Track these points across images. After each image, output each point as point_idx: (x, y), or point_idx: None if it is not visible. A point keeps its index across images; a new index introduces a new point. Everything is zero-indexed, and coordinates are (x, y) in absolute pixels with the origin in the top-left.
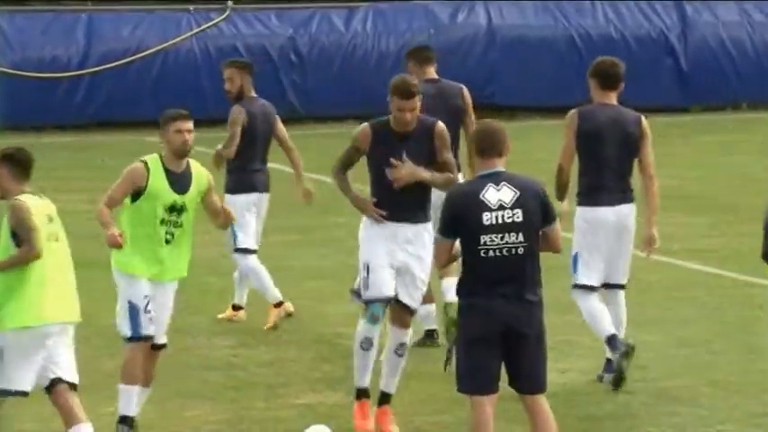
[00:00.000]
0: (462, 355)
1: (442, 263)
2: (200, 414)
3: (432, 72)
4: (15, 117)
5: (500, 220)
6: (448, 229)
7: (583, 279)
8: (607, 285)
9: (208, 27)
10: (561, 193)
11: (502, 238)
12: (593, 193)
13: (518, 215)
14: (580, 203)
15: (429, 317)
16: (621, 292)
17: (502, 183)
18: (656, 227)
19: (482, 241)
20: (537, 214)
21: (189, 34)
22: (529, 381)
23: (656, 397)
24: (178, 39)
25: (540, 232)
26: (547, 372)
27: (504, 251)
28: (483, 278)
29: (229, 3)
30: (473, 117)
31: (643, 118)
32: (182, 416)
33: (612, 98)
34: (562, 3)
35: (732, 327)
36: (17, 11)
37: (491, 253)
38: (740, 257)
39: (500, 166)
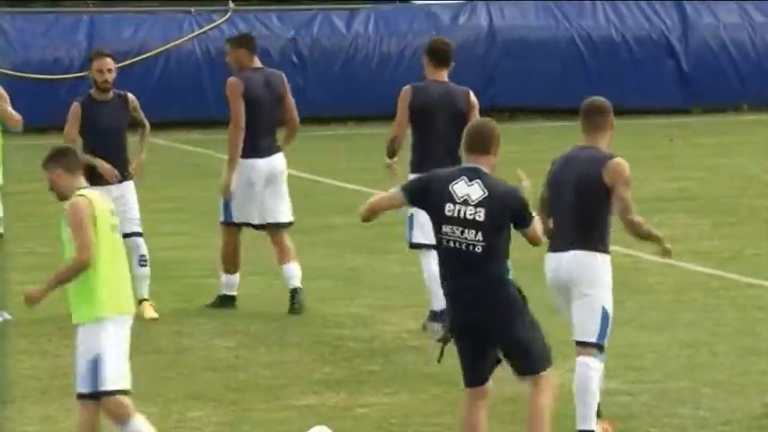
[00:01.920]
0: (457, 349)
1: (373, 204)
2: (201, 415)
3: (443, 75)
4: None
5: (461, 215)
6: (413, 188)
7: (418, 239)
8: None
9: (209, 29)
10: (390, 155)
11: (462, 233)
12: (423, 163)
13: (480, 214)
14: (412, 171)
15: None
16: None
17: (476, 180)
18: None
19: (443, 230)
20: (503, 219)
21: (190, 36)
22: (513, 367)
23: (657, 398)
24: (180, 40)
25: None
26: (533, 356)
27: (463, 246)
28: (446, 268)
29: (231, 4)
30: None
31: (471, 93)
32: (183, 417)
33: (444, 75)
34: (563, 4)
35: (733, 328)
36: (19, 12)
37: (451, 244)
38: (741, 259)
39: (483, 164)
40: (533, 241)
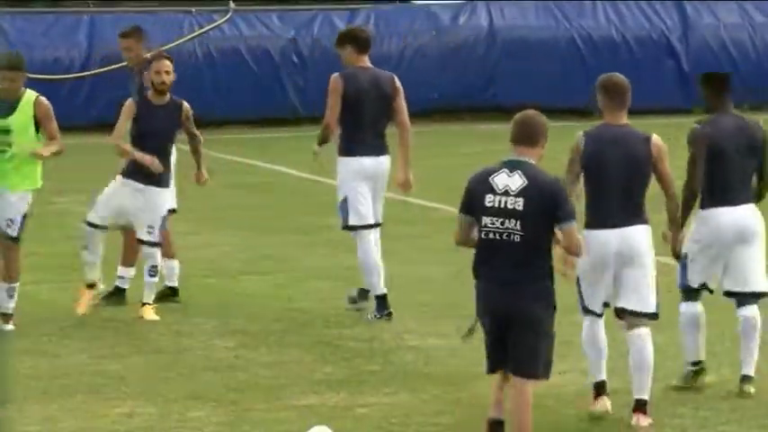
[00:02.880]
0: (484, 334)
1: (456, 239)
2: (201, 415)
3: (366, 61)
4: None
5: (501, 205)
6: (463, 205)
7: (353, 221)
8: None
9: (210, 29)
10: (321, 142)
11: (502, 223)
12: (353, 148)
13: (519, 204)
14: (342, 155)
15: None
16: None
17: (516, 170)
18: (411, 171)
19: (483, 222)
20: (542, 209)
21: (191, 36)
22: (513, 363)
23: (658, 398)
24: (180, 40)
25: (557, 229)
26: (536, 362)
27: (504, 235)
28: (483, 259)
29: (231, 4)
30: (404, 105)
31: (395, 77)
32: (183, 417)
33: (367, 61)
34: (563, 4)
35: (733, 328)
36: (19, 12)
37: (491, 235)
38: None
39: (529, 156)
40: (569, 245)
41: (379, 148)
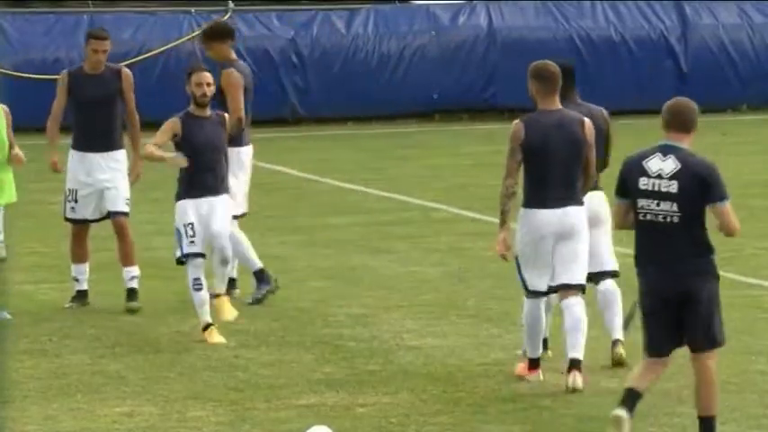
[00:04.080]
0: (643, 319)
1: (614, 224)
2: (201, 415)
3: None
4: (17, 118)
5: (655, 188)
6: (618, 190)
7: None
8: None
9: None
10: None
11: (657, 205)
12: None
13: (673, 186)
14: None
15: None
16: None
17: (670, 155)
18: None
19: (639, 204)
20: (695, 190)
21: (190, 36)
22: (693, 340)
23: (657, 398)
24: (180, 40)
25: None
26: (714, 331)
27: (660, 217)
28: (645, 241)
29: (231, 4)
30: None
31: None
32: (183, 417)
33: (233, 54)
34: (563, 4)
35: (732, 328)
36: (19, 12)
37: (648, 217)
38: (741, 259)
39: (681, 141)
40: (726, 226)
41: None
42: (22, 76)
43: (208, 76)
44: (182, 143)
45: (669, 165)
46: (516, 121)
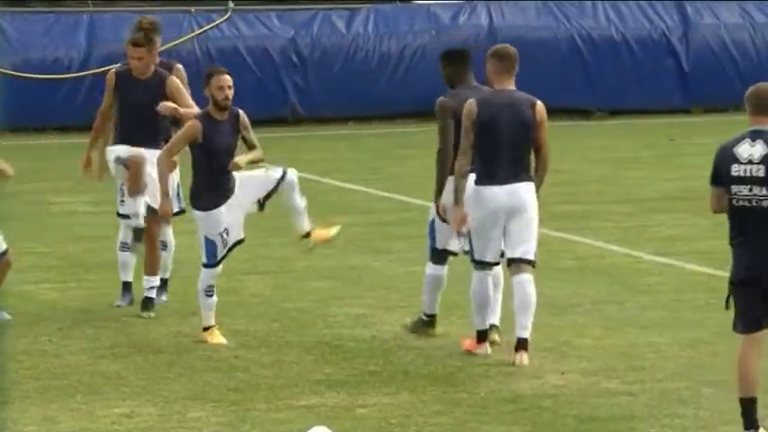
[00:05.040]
0: (734, 296)
1: (711, 209)
2: (201, 416)
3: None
4: (17, 119)
5: (747, 173)
6: (712, 177)
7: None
8: None
9: (209, 28)
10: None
11: (750, 190)
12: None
13: (761, 170)
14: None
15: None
16: None
17: (758, 139)
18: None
19: (732, 191)
20: None
21: (190, 35)
22: None
23: (658, 398)
24: (179, 40)
25: None
26: None
27: (754, 202)
28: (739, 226)
29: (231, 4)
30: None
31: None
32: (183, 417)
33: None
34: (564, 4)
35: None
36: (19, 12)
37: (741, 202)
38: None
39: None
40: None
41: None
42: (21, 76)
43: (229, 79)
44: (199, 148)
45: (758, 149)
46: (470, 100)
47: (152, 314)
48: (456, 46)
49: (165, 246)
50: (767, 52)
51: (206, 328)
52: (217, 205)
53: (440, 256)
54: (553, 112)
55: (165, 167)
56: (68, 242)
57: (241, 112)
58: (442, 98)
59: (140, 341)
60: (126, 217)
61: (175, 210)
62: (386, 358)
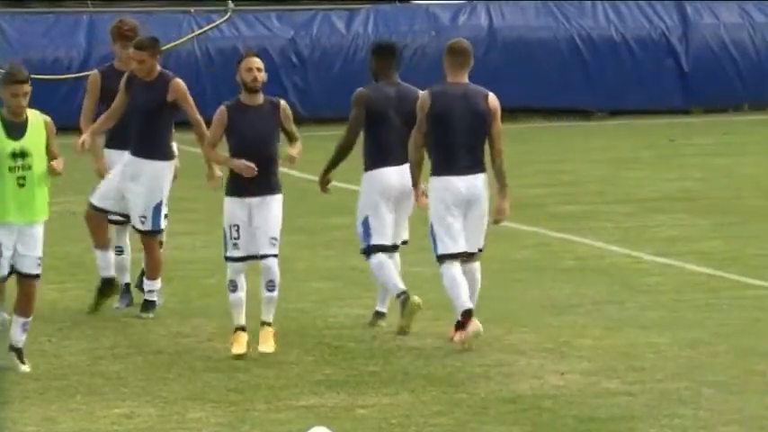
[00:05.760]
0: None
1: None
2: (201, 416)
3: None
4: None
5: None
6: None
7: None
8: None
9: (209, 29)
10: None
11: None
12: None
13: None
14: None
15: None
16: None
17: None
18: None
19: None
20: None
21: (190, 36)
22: None
23: (658, 399)
24: (179, 41)
25: None
26: None
27: None
28: None
29: (230, 4)
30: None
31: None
32: (182, 418)
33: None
34: (563, 4)
35: (734, 328)
36: (18, 12)
37: None
38: (742, 259)
39: None
40: None
41: None
42: None
43: (258, 61)
44: (228, 134)
45: None
46: (423, 92)
47: (151, 315)
48: (386, 40)
49: (121, 251)
50: (767, 52)
51: (235, 329)
52: (235, 195)
53: (377, 250)
54: (553, 112)
55: (212, 156)
56: (68, 242)
57: (283, 102)
58: (360, 89)
59: (140, 342)
60: (117, 223)
61: (160, 227)
62: (386, 359)
